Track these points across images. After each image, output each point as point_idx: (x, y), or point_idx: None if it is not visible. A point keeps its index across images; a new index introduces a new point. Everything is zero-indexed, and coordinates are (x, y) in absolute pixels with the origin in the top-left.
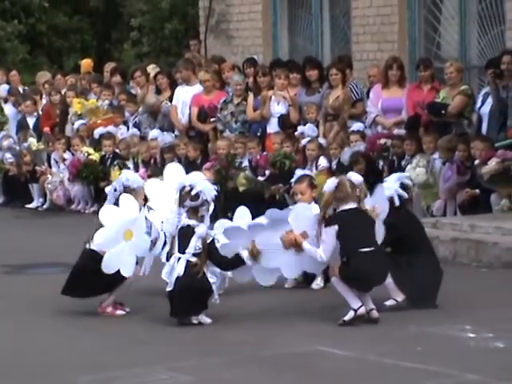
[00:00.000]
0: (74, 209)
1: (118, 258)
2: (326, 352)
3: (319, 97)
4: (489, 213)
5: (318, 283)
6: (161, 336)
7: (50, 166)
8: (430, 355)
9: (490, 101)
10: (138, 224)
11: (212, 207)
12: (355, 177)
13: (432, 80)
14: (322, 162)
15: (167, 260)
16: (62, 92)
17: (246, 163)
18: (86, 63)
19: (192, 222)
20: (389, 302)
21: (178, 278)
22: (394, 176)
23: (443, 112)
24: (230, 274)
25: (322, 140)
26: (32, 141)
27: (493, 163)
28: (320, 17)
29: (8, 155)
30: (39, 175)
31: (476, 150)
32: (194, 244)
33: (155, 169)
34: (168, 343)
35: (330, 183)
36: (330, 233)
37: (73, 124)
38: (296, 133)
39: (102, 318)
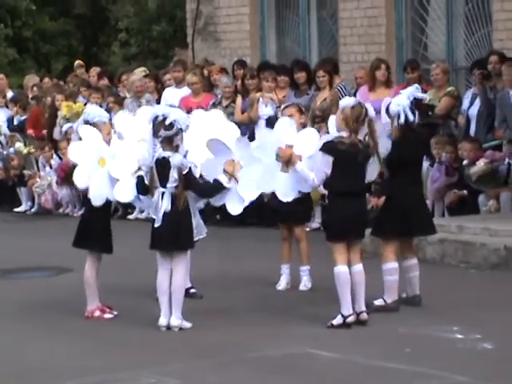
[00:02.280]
0: (62, 212)
1: (104, 186)
2: (314, 354)
3: (308, 99)
4: (476, 214)
5: (305, 285)
6: (148, 339)
7: (38, 170)
8: (418, 357)
9: (477, 102)
10: (107, 150)
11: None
12: (371, 108)
13: (420, 81)
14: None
15: (139, 189)
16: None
17: None
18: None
19: (167, 154)
20: (377, 302)
21: (165, 213)
22: (407, 91)
23: (430, 113)
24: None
25: None
26: (19, 145)
27: (481, 164)
28: (307, 19)
29: None
30: (27, 179)
31: (464, 151)
32: (173, 176)
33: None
34: (155, 346)
35: (349, 100)
36: (325, 159)
37: (61, 127)
38: None
39: (89, 322)
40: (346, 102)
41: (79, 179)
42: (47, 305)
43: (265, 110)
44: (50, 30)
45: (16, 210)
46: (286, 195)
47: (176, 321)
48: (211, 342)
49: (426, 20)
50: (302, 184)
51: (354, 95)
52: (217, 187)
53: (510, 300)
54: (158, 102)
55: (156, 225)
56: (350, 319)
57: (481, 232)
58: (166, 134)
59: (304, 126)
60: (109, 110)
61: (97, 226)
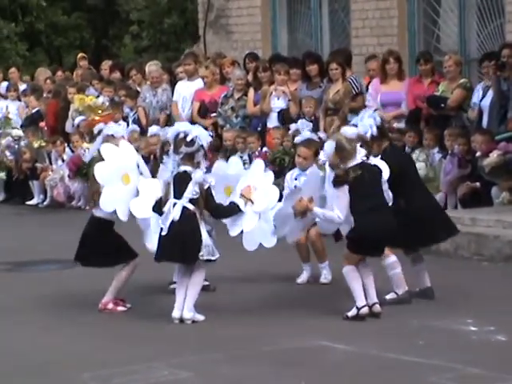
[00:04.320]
0: (74, 205)
1: (115, 199)
2: (329, 347)
3: (320, 91)
4: (490, 206)
5: (325, 277)
6: (161, 332)
7: (50, 163)
8: (432, 349)
9: (490, 94)
10: (135, 172)
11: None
12: (349, 130)
13: (432, 73)
14: (322, 156)
15: (155, 208)
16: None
17: (246, 158)
18: (81, 56)
19: (188, 168)
20: (389, 296)
21: (172, 222)
22: (367, 114)
23: (442, 105)
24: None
25: (322, 134)
26: (16, 132)
27: (494, 156)
28: (319, 11)
29: (7, 153)
30: (39, 172)
31: (476, 143)
32: (192, 189)
33: (155, 163)
34: (168, 339)
35: (329, 146)
36: (342, 192)
37: (73, 120)
38: (290, 131)
39: (102, 314)
40: (328, 149)
41: (106, 204)
42: (59, 297)
43: (277, 103)
44: (61, 23)
45: (28, 202)
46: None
47: (189, 313)
48: (224, 334)
49: (439, 11)
50: (329, 225)
51: (367, 87)
52: (232, 209)
53: None
54: (172, 94)
55: (163, 233)
56: (364, 310)
57: (494, 224)
58: (187, 150)
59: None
60: (121, 103)
61: (117, 238)
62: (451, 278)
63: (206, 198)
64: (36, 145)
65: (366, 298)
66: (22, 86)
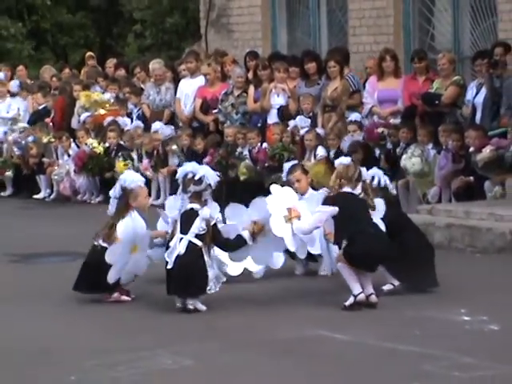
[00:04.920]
0: (79, 199)
1: (122, 271)
2: (327, 336)
3: (318, 88)
4: (483, 199)
5: (324, 269)
6: (164, 322)
7: (57, 158)
8: (427, 338)
9: (483, 91)
10: (144, 241)
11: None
12: (364, 171)
13: (427, 71)
14: (320, 151)
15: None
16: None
17: (246, 153)
18: (89, 55)
19: (195, 206)
20: (386, 287)
21: (178, 256)
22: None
23: (437, 102)
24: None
25: (320, 130)
26: (21, 124)
27: (487, 151)
28: (317, 11)
29: (15, 148)
30: (46, 167)
31: (470, 139)
32: (198, 225)
33: (158, 160)
34: (171, 329)
35: (345, 159)
36: (326, 210)
37: (79, 116)
38: (289, 127)
39: (106, 304)
40: (342, 160)
41: (112, 258)
42: (64, 288)
43: (277, 100)
44: (66, 22)
45: (35, 196)
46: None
47: (192, 301)
48: (225, 324)
49: (433, 11)
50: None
51: (364, 85)
52: (239, 242)
53: None
54: (175, 91)
55: (168, 267)
56: (361, 297)
57: (487, 217)
58: (195, 188)
59: (311, 185)
60: (125, 100)
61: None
62: (445, 269)
63: (213, 233)
64: (45, 140)
65: (362, 289)
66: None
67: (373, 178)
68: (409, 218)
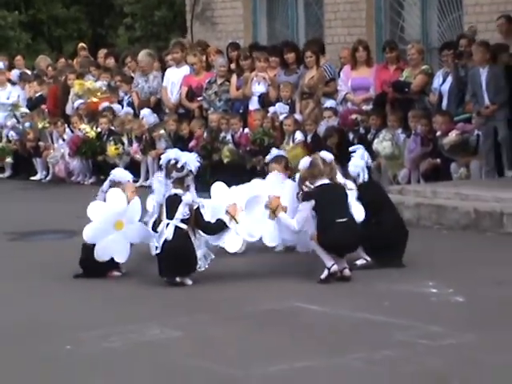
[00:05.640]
0: (73, 180)
1: (110, 247)
2: (304, 308)
3: (296, 77)
4: (449, 180)
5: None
6: (153, 296)
7: (52, 142)
8: (396, 309)
9: (449, 79)
10: (128, 214)
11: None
12: (327, 155)
13: (397, 61)
14: (298, 135)
15: (153, 227)
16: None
17: (229, 137)
18: (81, 46)
19: (178, 191)
20: (359, 262)
21: (165, 241)
22: (359, 154)
23: (406, 90)
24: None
25: (298, 116)
26: (22, 109)
27: (453, 135)
28: (295, 4)
29: (13, 133)
30: (42, 150)
31: (437, 124)
32: (182, 210)
33: (146, 144)
34: (160, 302)
35: (304, 162)
36: (305, 206)
37: (73, 103)
38: (269, 114)
39: (99, 279)
40: (303, 164)
41: (88, 234)
42: (61, 264)
43: (257, 88)
44: (61, 15)
45: (32, 178)
46: (272, 241)
47: (179, 277)
48: (210, 298)
49: (403, 5)
50: (286, 232)
51: (339, 73)
52: (219, 226)
53: (479, 258)
54: (162, 80)
55: (157, 251)
56: (334, 268)
57: (453, 197)
58: (178, 175)
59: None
60: (116, 88)
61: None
62: (414, 245)
63: (195, 217)
64: (40, 125)
65: (335, 261)
66: (27, 73)
67: (358, 175)
68: (388, 197)
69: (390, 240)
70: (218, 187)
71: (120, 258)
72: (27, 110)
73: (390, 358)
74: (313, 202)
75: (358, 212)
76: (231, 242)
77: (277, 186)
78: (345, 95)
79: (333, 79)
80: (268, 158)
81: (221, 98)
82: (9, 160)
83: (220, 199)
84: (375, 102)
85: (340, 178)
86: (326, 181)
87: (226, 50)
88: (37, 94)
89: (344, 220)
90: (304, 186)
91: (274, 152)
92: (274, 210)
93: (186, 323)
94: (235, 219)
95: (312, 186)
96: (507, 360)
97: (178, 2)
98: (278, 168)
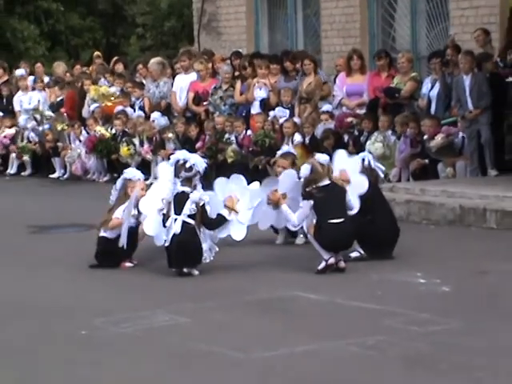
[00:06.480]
0: (89, 178)
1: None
2: (302, 296)
3: (295, 83)
4: (436, 179)
5: (301, 238)
6: (163, 285)
7: (69, 143)
8: (388, 298)
9: (437, 86)
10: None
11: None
12: (322, 157)
13: (389, 68)
14: (297, 137)
15: (163, 222)
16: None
17: (233, 139)
18: (96, 54)
19: (186, 189)
20: (353, 254)
21: (174, 235)
22: (361, 155)
23: (397, 95)
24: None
25: (297, 119)
26: (47, 113)
27: (439, 138)
28: (294, 16)
29: (33, 134)
30: (60, 150)
31: (425, 127)
32: (189, 206)
33: (157, 144)
34: (168, 291)
35: (305, 169)
36: (306, 205)
37: (89, 107)
38: (269, 117)
39: (113, 269)
40: (304, 171)
41: (149, 229)
42: (79, 255)
43: (259, 93)
44: (78, 26)
45: (51, 176)
46: (264, 225)
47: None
48: (215, 287)
49: (394, 16)
50: (284, 222)
51: (334, 80)
52: (220, 220)
53: (464, 250)
54: (172, 85)
55: (166, 244)
56: (331, 260)
57: (440, 194)
58: (186, 175)
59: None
60: (129, 93)
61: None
62: (404, 239)
63: (201, 213)
64: (59, 127)
65: (332, 257)
66: (46, 79)
67: (363, 160)
68: (384, 198)
69: (384, 237)
70: (220, 182)
71: (149, 230)
72: (52, 114)
73: (382, 342)
74: (311, 202)
75: (354, 204)
76: (236, 231)
77: (289, 182)
78: (340, 100)
79: (325, 82)
80: (279, 152)
81: (226, 102)
82: (26, 158)
83: (221, 194)
84: (368, 106)
85: (357, 176)
86: (326, 182)
87: (230, 58)
88: (58, 99)
89: (339, 221)
90: (309, 188)
91: (285, 148)
92: (276, 203)
93: (192, 310)
94: (234, 210)
95: (314, 186)
96: (490, 345)
97: (186, 14)
98: (285, 163)
